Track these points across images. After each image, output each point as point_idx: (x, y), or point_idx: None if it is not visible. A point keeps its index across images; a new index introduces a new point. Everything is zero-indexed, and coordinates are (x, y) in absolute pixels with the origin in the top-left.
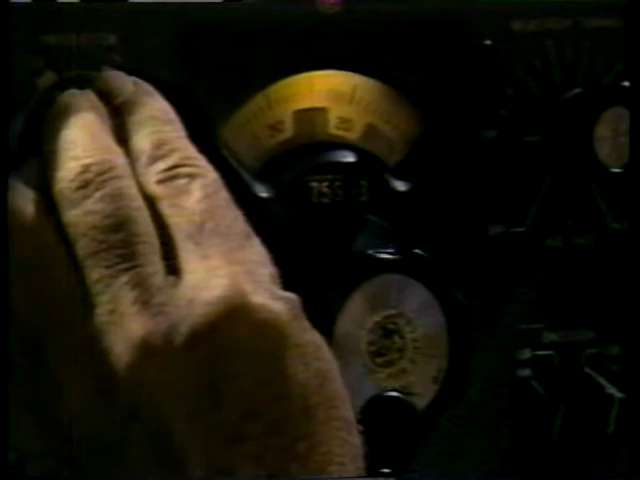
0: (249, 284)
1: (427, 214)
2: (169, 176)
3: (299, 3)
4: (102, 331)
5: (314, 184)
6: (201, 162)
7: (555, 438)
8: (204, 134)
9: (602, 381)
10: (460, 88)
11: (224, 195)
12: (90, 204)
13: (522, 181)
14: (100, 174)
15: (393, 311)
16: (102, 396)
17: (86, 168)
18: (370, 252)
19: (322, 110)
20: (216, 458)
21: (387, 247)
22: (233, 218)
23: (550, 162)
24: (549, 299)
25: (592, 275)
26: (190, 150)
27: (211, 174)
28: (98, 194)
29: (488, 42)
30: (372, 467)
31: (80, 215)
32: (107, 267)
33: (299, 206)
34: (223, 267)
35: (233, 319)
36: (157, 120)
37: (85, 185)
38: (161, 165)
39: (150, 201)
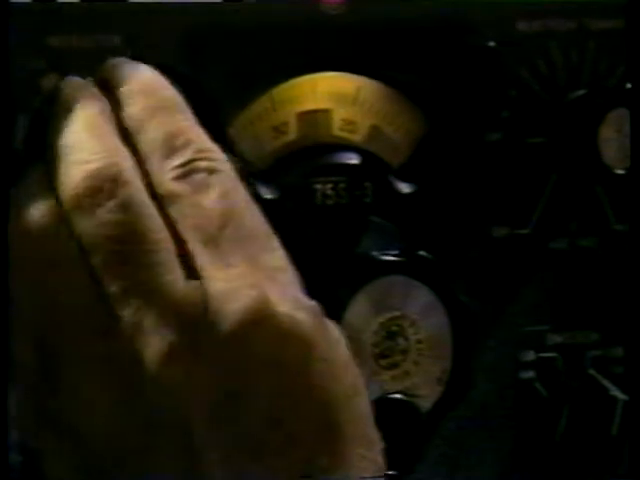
0: (274, 293)
1: (431, 216)
2: (185, 172)
3: (303, 4)
4: (127, 343)
5: (318, 186)
6: (218, 154)
7: (559, 440)
8: (215, 128)
9: (606, 383)
10: (464, 89)
11: (243, 191)
12: (101, 214)
13: (526, 183)
14: (108, 181)
15: (397, 313)
16: (126, 406)
17: (92, 174)
18: (374, 254)
19: (326, 112)
20: (235, 467)
21: (391, 249)
22: (254, 217)
23: (554, 164)
24: (553, 301)
25: (596, 277)
26: (205, 140)
27: (229, 167)
28: (109, 204)
29: (492, 43)
30: None
31: (92, 226)
32: (126, 279)
33: (303, 208)
34: (246, 275)
35: (258, 329)
36: (167, 109)
37: (93, 194)
38: (176, 160)
39: (165, 200)
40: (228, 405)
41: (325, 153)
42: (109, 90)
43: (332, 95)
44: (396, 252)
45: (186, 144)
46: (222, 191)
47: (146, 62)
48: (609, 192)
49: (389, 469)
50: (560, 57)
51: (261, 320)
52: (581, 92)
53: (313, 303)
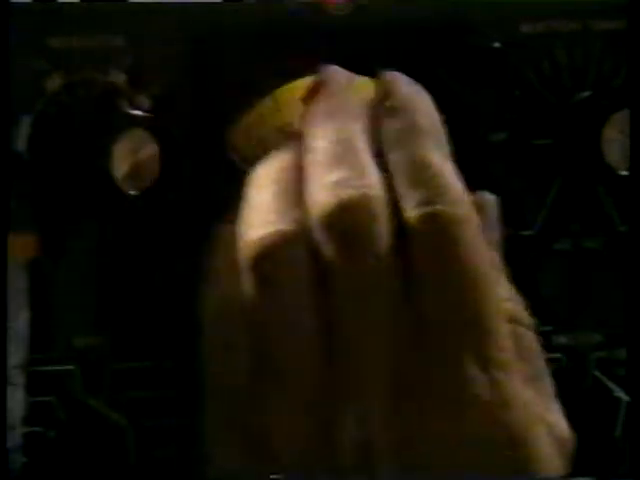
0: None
1: None
2: (428, 213)
3: (306, 4)
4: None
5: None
6: (463, 196)
7: None
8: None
9: (610, 384)
10: (469, 90)
11: (482, 244)
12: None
13: (530, 184)
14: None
15: None
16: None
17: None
18: None
19: None
20: None
21: None
22: (491, 261)
23: (559, 165)
24: (557, 302)
25: (600, 278)
26: (455, 179)
27: (470, 213)
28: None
29: (497, 44)
30: None
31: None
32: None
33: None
34: None
35: None
36: (424, 134)
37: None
38: (419, 194)
39: (406, 228)
40: None
41: None
42: (377, 104)
43: None
44: None
45: (430, 179)
46: (469, 244)
47: (148, 68)
48: (613, 193)
49: None
50: (564, 58)
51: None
52: (586, 93)
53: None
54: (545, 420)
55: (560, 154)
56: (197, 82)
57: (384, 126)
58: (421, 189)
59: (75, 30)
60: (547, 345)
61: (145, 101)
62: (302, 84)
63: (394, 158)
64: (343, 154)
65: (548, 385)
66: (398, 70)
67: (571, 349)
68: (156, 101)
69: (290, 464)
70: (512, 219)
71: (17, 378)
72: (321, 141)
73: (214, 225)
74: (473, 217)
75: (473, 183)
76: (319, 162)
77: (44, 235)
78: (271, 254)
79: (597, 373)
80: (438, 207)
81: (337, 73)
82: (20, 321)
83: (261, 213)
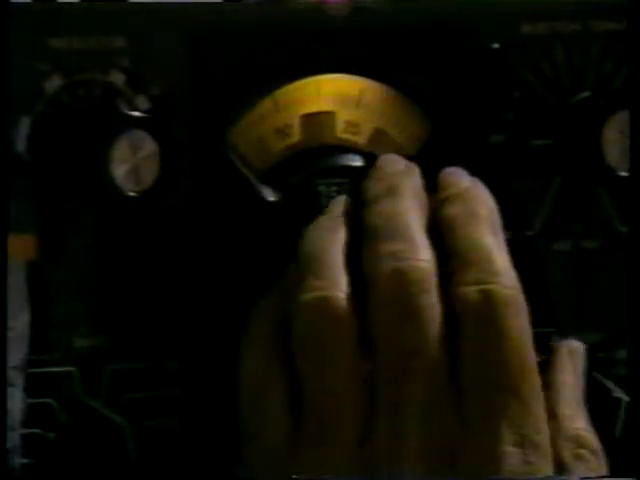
0: None
1: None
2: (483, 290)
3: (306, 5)
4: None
5: (322, 188)
6: (514, 280)
7: None
8: None
9: (609, 384)
10: (468, 91)
11: (527, 324)
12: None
13: (530, 184)
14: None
15: None
16: None
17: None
18: None
19: (329, 114)
20: None
21: None
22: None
23: (558, 166)
24: (557, 303)
25: (600, 279)
26: (509, 266)
27: (521, 299)
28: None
29: (496, 45)
30: None
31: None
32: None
33: (307, 210)
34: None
35: None
36: (480, 220)
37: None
38: (474, 273)
39: (456, 304)
40: None
41: (329, 155)
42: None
43: (336, 97)
44: None
45: (488, 261)
46: (516, 329)
47: (149, 69)
48: (612, 194)
49: None
50: (564, 59)
51: None
52: (585, 94)
53: None
54: None
55: (560, 155)
56: (196, 83)
57: (444, 211)
58: (477, 268)
59: (75, 30)
60: (547, 346)
61: (144, 102)
62: (301, 85)
63: (453, 239)
64: (399, 228)
65: None
66: (399, 71)
67: None
68: (155, 102)
69: None
70: (512, 220)
71: (16, 379)
72: (377, 216)
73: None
74: (523, 303)
75: None
76: (376, 233)
77: (43, 236)
78: (319, 320)
79: (597, 374)
80: (493, 286)
81: (394, 158)
82: (19, 322)
83: (312, 274)
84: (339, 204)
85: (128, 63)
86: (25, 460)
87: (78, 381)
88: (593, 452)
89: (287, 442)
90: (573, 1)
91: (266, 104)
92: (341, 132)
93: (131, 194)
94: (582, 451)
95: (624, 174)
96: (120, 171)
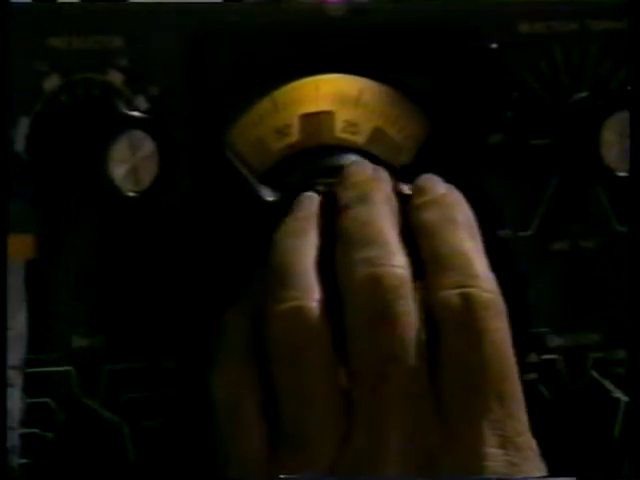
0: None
1: None
2: (462, 294)
3: (305, 5)
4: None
5: (321, 188)
6: (493, 284)
7: (560, 442)
8: None
9: (608, 385)
10: (466, 91)
11: (505, 327)
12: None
13: (528, 184)
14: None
15: None
16: None
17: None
18: None
19: (328, 113)
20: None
21: None
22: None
23: (556, 166)
24: (555, 303)
25: (598, 279)
26: (488, 270)
27: (501, 302)
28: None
29: (495, 45)
30: None
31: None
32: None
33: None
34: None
35: None
36: (456, 225)
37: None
38: (452, 278)
39: (434, 310)
40: None
41: (328, 155)
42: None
43: (335, 97)
44: None
45: (467, 265)
46: (493, 332)
47: (147, 69)
48: (611, 194)
49: None
50: (562, 59)
51: None
52: (583, 94)
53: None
54: None
55: (558, 154)
56: (195, 83)
57: (420, 216)
58: (457, 273)
59: (74, 30)
60: (544, 346)
61: (143, 102)
62: (300, 85)
63: (430, 244)
64: (373, 234)
65: None
66: (398, 70)
67: (569, 350)
68: (154, 102)
69: None
70: (510, 219)
71: (14, 379)
72: (350, 223)
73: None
74: (502, 306)
75: (472, 183)
76: (349, 239)
77: (42, 236)
78: (294, 330)
79: (595, 374)
80: (473, 290)
81: (363, 165)
82: (17, 322)
83: (285, 283)
84: (307, 203)
85: (127, 63)
86: (23, 460)
87: (76, 381)
88: None
89: (264, 452)
90: (571, 1)
91: (265, 104)
92: (340, 132)
93: (130, 194)
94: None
95: (622, 174)
96: (119, 171)
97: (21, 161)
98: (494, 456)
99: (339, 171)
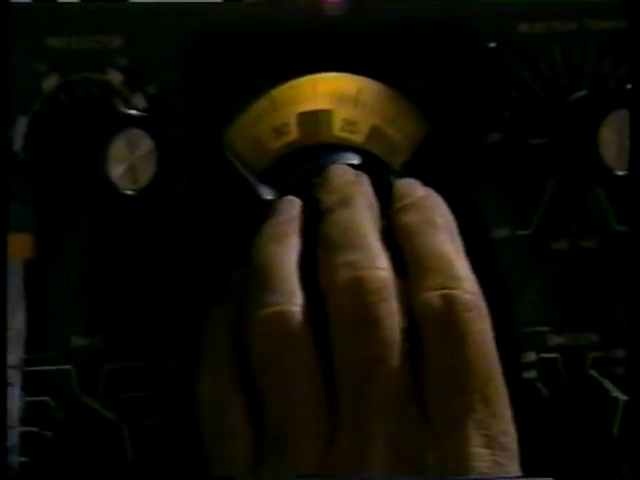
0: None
1: None
2: (444, 295)
3: (303, 4)
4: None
5: (317, 181)
6: (474, 286)
7: (559, 441)
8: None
9: (607, 384)
10: (465, 90)
11: (489, 331)
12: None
13: (527, 184)
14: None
15: None
16: None
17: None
18: None
19: (326, 112)
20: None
21: None
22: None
23: (555, 165)
24: (554, 302)
25: (597, 278)
26: (469, 271)
27: (483, 303)
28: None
29: (493, 44)
30: None
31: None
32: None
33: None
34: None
35: None
36: (435, 227)
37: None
38: (434, 280)
39: (417, 310)
40: None
41: (326, 154)
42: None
43: (333, 96)
44: None
45: (448, 267)
46: (478, 334)
47: (146, 68)
48: (609, 193)
49: None
50: (561, 58)
51: None
52: (582, 93)
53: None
54: None
55: (556, 154)
56: (193, 82)
57: (400, 220)
58: (438, 274)
59: (72, 30)
60: (544, 345)
61: (142, 101)
62: (298, 83)
63: (411, 247)
64: (355, 238)
65: None
66: (396, 69)
67: (568, 349)
68: (153, 101)
69: None
70: (509, 219)
71: (14, 378)
72: (332, 227)
73: (208, 313)
74: (484, 307)
75: (469, 182)
76: (331, 243)
77: (40, 235)
78: (277, 335)
79: (594, 373)
80: (455, 291)
81: (344, 169)
82: (16, 321)
83: (266, 288)
84: (288, 207)
85: (125, 62)
86: (22, 458)
87: (75, 380)
88: None
89: (249, 455)
90: (570, 0)
91: (263, 103)
92: (338, 130)
93: (128, 193)
94: None
95: (621, 173)
96: (117, 170)
97: (19, 160)
98: (480, 456)
99: (321, 175)
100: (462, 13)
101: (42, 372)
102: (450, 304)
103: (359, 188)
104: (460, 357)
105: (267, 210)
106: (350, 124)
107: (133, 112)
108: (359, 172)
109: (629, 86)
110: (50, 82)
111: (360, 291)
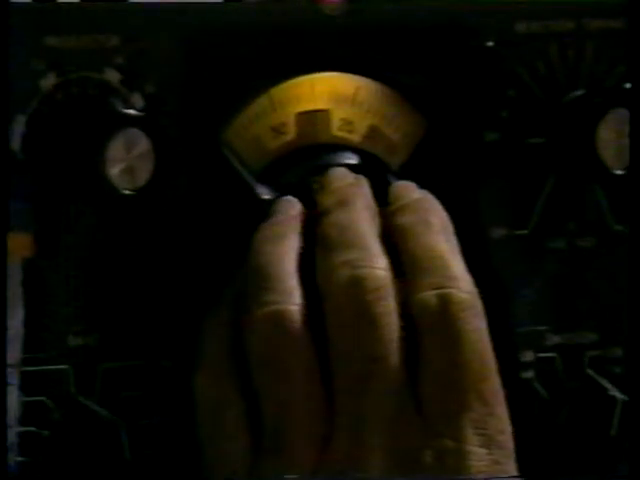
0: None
1: None
2: (441, 294)
3: (302, 4)
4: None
5: (317, 186)
6: (469, 286)
7: (557, 440)
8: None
9: (605, 383)
10: (463, 90)
11: (484, 329)
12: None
13: (525, 183)
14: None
15: None
16: None
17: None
18: None
19: (324, 112)
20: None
21: None
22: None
23: (553, 164)
24: (552, 301)
25: (595, 277)
26: (465, 271)
27: (478, 303)
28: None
29: (491, 44)
30: None
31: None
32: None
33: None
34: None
35: None
36: (432, 228)
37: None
38: (432, 279)
39: (415, 310)
40: None
41: (324, 153)
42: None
43: (331, 95)
44: None
45: (444, 267)
46: (474, 331)
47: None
48: (607, 192)
49: None
50: (559, 57)
51: None
52: (580, 92)
53: None
54: None
55: (554, 153)
56: (191, 81)
57: (397, 221)
58: (434, 274)
59: (70, 29)
60: (541, 344)
61: (139, 100)
62: (297, 83)
63: (407, 247)
64: (353, 237)
65: None
66: (394, 69)
67: (565, 348)
68: (150, 100)
69: None
70: (506, 218)
71: (11, 377)
72: (331, 227)
73: (206, 312)
74: (480, 306)
75: (467, 182)
76: (330, 243)
77: (38, 234)
78: (275, 334)
79: (592, 372)
80: (451, 290)
81: (343, 172)
82: (14, 320)
83: (265, 287)
84: (286, 207)
85: (123, 61)
86: (20, 458)
87: (72, 379)
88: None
89: (247, 456)
90: (567, 0)
91: (261, 102)
92: (336, 130)
93: (126, 192)
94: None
95: (619, 172)
96: (115, 169)
97: (17, 160)
98: (477, 455)
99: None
100: (460, 13)
101: (39, 372)
102: (446, 303)
103: (358, 190)
104: (456, 356)
105: (265, 210)
106: (348, 124)
107: (131, 111)
108: (358, 175)
109: (628, 85)
110: (48, 81)
111: (358, 290)
